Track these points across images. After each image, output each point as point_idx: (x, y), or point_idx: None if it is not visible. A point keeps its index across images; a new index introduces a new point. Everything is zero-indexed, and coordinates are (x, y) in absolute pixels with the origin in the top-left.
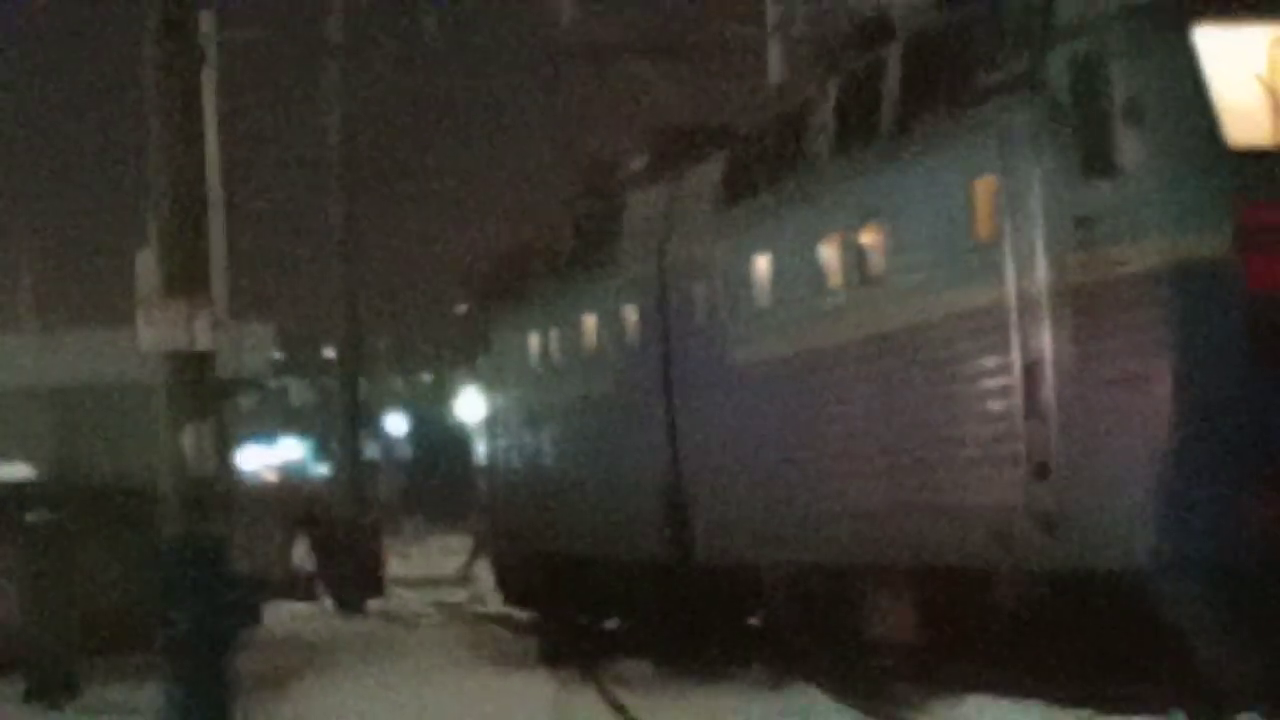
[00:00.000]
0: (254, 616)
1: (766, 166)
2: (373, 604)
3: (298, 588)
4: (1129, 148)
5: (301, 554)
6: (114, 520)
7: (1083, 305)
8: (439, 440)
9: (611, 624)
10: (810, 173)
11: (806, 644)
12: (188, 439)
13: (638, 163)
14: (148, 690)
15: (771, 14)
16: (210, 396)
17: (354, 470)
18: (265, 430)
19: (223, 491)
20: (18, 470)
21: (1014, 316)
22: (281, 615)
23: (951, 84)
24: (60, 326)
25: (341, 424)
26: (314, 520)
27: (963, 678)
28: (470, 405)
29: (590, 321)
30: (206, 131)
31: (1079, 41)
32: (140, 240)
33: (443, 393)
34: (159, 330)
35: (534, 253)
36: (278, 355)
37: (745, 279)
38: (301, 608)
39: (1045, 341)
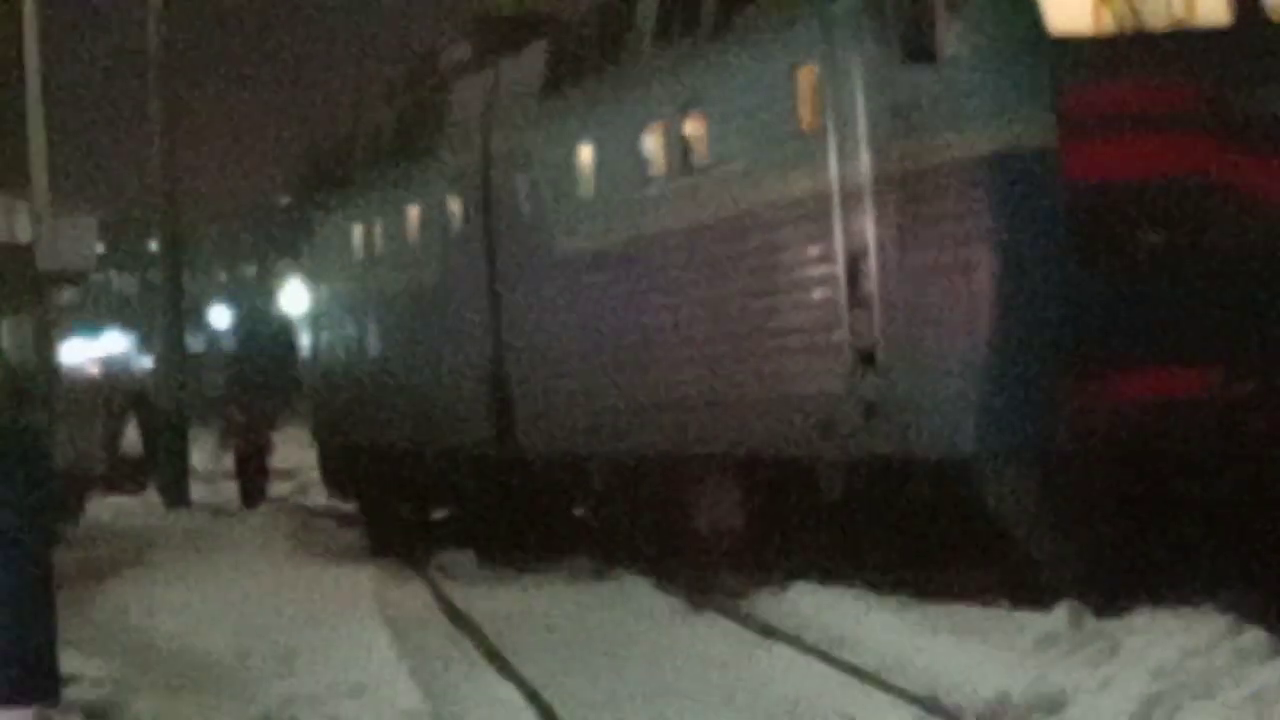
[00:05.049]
0: (77, 509)
1: (589, 55)
2: (198, 496)
3: (122, 481)
4: (950, 34)
5: (131, 439)
6: None
7: (906, 193)
8: (263, 332)
9: (436, 515)
10: (633, 61)
11: (631, 533)
12: (7, 332)
13: (459, 51)
14: None
15: None
16: (30, 289)
17: (177, 363)
18: (88, 323)
19: (44, 384)
20: None
21: (837, 205)
22: (105, 508)
23: None
24: None
25: (165, 317)
26: (141, 406)
27: (787, 565)
28: (294, 297)
29: (413, 212)
30: (24, 21)
31: None
32: None
33: (267, 284)
34: None
35: (357, 143)
36: (100, 248)
37: (568, 168)
38: (125, 501)
39: (869, 230)
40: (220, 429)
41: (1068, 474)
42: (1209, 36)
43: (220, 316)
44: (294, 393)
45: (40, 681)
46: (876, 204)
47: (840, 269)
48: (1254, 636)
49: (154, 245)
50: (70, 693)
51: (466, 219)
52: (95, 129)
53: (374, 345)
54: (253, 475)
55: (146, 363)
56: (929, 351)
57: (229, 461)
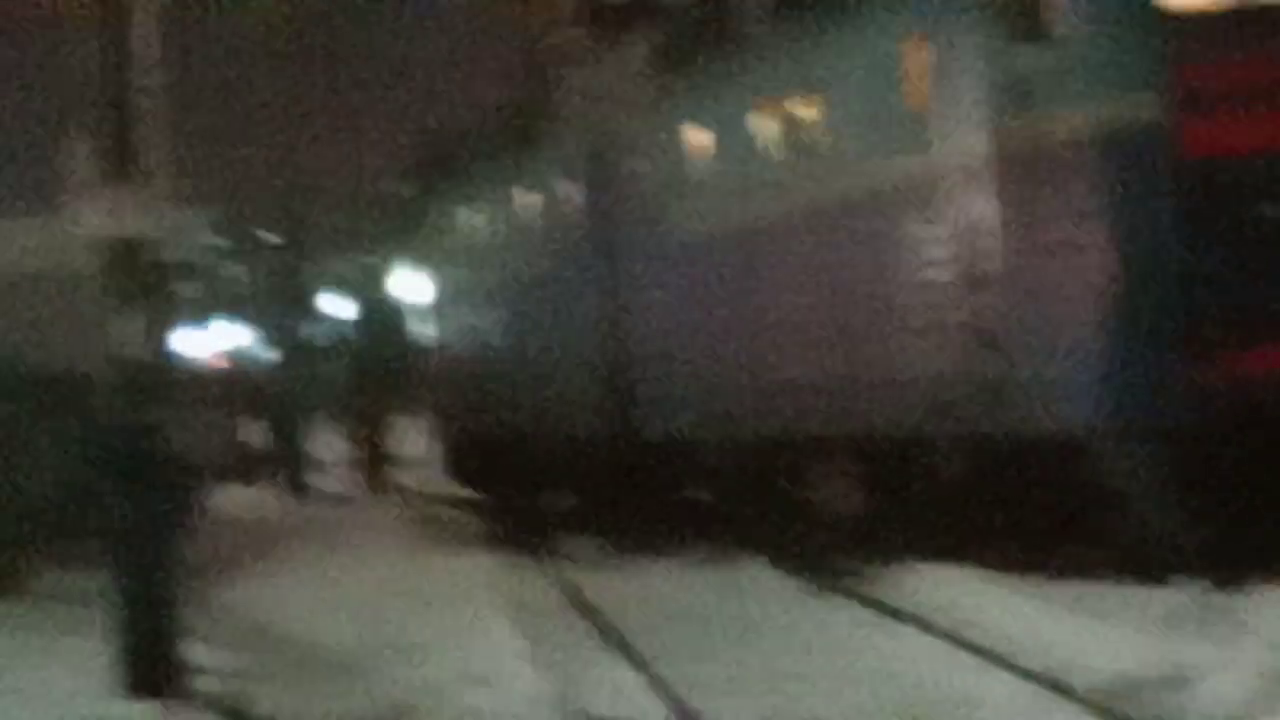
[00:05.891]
0: (199, 502)
1: (700, 37)
2: (320, 485)
3: (244, 473)
4: (1063, 11)
5: (255, 434)
6: (56, 410)
7: (1020, 171)
8: (383, 322)
9: (558, 502)
10: (743, 42)
11: (752, 517)
12: (126, 325)
13: (575, 35)
14: (95, 577)
15: None
16: (147, 282)
17: (296, 353)
18: (206, 315)
19: (163, 377)
20: None
21: (953, 184)
22: (227, 501)
23: None
24: None
25: (283, 308)
26: (261, 398)
27: (910, 547)
28: (413, 286)
29: (529, 198)
30: (140, 9)
31: None
32: (76, 125)
33: (386, 273)
34: (94, 216)
35: (474, 130)
36: (218, 239)
37: (681, 151)
38: (247, 492)
39: (986, 209)
40: (343, 419)
41: (1190, 450)
42: None
43: (339, 306)
44: (415, 381)
45: (167, 674)
46: (992, 183)
47: (959, 249)
48: None
49: (272, 236)
50: (198, 685)
51: (582, 204)
52: (213, 119)
53: (493, 332)
54: (376, 462)
55: (266, 354)
56: (1049, 330)
57: (349, 451)
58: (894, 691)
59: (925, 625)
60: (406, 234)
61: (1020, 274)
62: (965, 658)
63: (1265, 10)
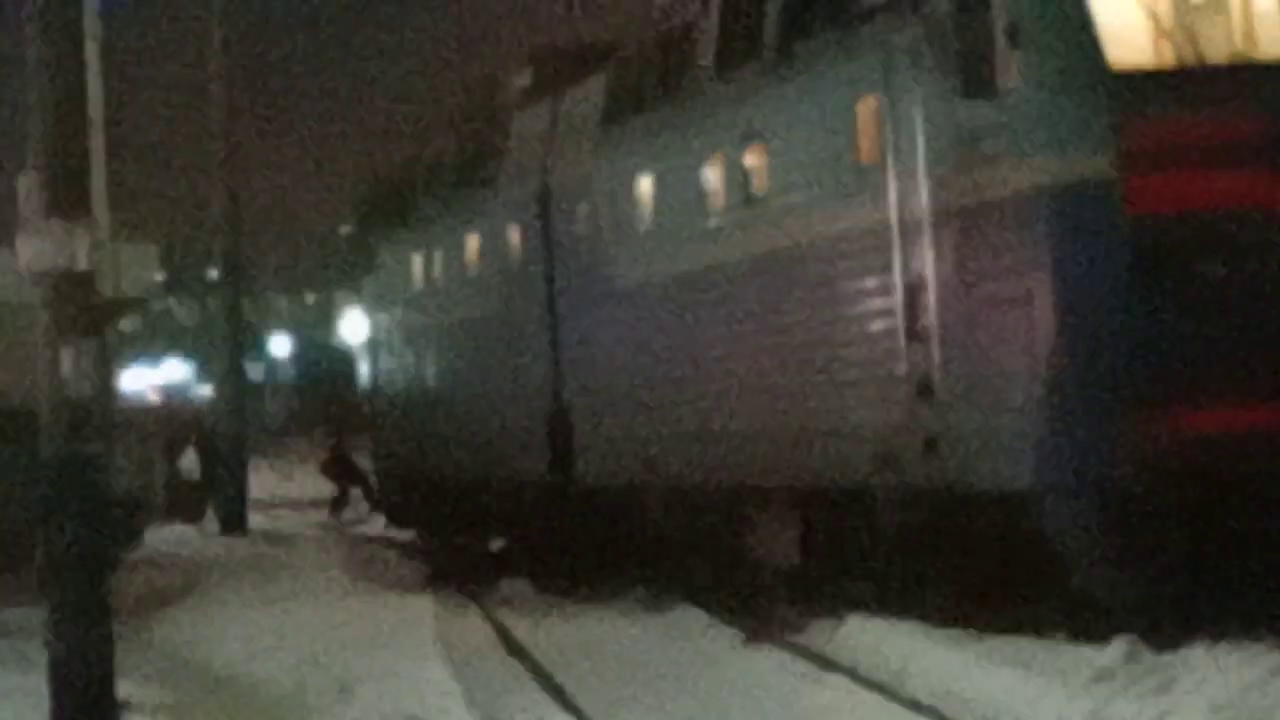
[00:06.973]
0: (135, 537)
1: (650, 86)
2: (255, 524)
3: (181, 508)
4: (1011, 68)
5: (190, 464)
6: None
7: (965, 226)
8: (323, 362)
9: (494, 545)
10: (693, 92)
11: (688, 565)
12: (67, 359)
13: (521, 81)
14: (30, 610)
15: None
16: (91, 317)
17: (236, 391)
18: (149, 351)
19: (104, 412)
20: None
21: (896, 237)
22: (164, 536)
23: (835, 3)
24: None
25: (225, 345)
26: (200, 434)
27: (844, 598)
28: (354, 326)
29: (474, 242)
30: (88, 49)
31: None
32: (21, 160)
33: (327, 314)
34: (39, 250)
35: (418, 173)
36: (161, 276)
37: (627, 199)
38: (184, 529)
39: (927, 262)
40: (281, 457)
41: (1126, 507)
42: (1270, 69)
43: (280, 345)
44: (353, 422)
45: (97, 708)
46: (935, 237)
47: (899, 301)
48: None
49: (214, 273)
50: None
51: (526, 249)
52: (157, 156)
53: (434, 375)
54: (313, 501)
55: (206, 391)
56: (989, 384)
57: (286, 489)
58: None
59: (859, 677)
60: (349, 274)
61: (963, 328)
62: (899, 710)
63: (1210, 68)
